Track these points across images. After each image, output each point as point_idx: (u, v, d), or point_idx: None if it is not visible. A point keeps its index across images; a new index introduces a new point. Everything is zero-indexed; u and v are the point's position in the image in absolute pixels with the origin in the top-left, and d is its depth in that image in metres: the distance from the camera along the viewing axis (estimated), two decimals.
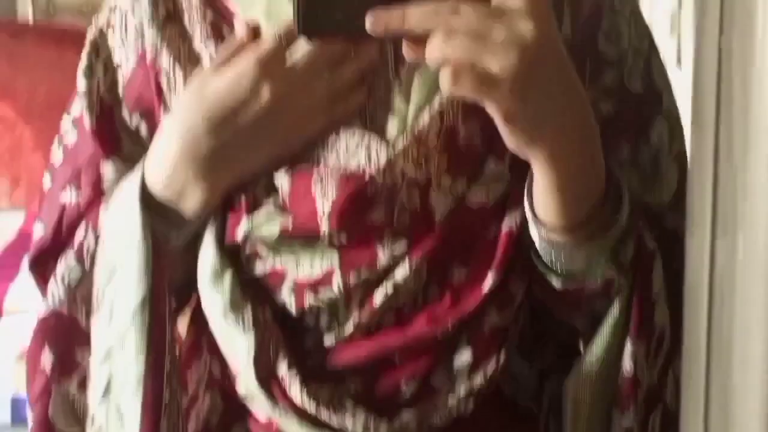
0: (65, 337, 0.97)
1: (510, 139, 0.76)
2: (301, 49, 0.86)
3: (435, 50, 0.71)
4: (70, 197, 0.98)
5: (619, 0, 0.94)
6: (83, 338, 0.95)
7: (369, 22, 0.73)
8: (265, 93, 0.85)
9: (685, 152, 0.97)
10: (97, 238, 0.95)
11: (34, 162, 3.47)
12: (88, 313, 0.95)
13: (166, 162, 0.89)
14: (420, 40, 0.73)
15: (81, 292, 0.96)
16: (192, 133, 0.87)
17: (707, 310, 0.50)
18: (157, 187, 0.90)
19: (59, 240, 0.99)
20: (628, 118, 0.94)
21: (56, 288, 0.96)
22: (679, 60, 2.51)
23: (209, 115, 0.86)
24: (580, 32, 0.92)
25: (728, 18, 0.47)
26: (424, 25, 0.72)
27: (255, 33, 0.88)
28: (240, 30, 0.88)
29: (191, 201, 0.89)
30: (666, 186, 0.94)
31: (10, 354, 2.44)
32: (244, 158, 0.88)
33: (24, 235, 3.13)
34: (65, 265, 0.96)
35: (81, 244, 0.96)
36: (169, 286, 0.92)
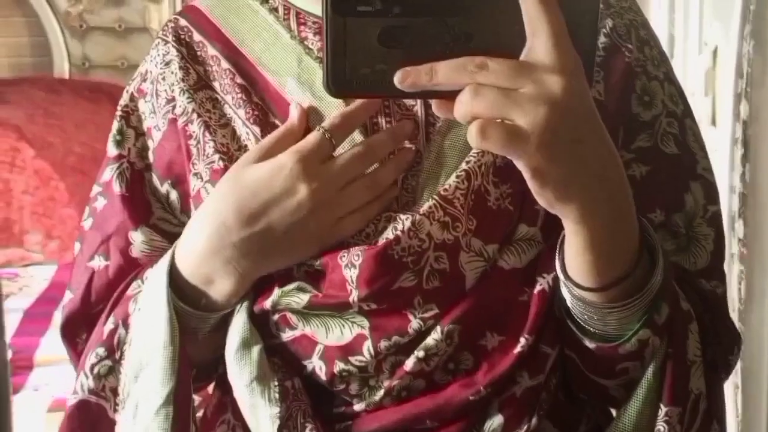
0: (93, 426, 0.95)
1: (540, 196, 0.74)
2: (343, 148, 0.86)
3: (463, 106, 0.70)
4: (99, 264, 0.98)
5: (652, 63, 0.94)
6: (111, 428, 0.94)
7: (398, 79, 0.72)
8: (302, 191, 0.84)
9: (719, 215, 0.96)
10: (126, 330, 0.94)
11: (68, 216, 3.50)
12: (116, 405, 0.93)
13: (196, 249, 0.88)
14: (449, 98, 0.72)
15: (110, 383, 0.94)
16: (223, 222, 0.86)
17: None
18: (187, 272, 0.89)
19: (88, 306, 0.99)
20: (662, 181, 0.93)
21: (85, 378, 0.95)
22: (713, 120, 2.50)
23: (242, 206, 0.85)
24: (612, 94, 0.91)
25: None
26: (453, 81, 0.71)
27: (307, 117, 0.87)
28: (294, 113, 0.88)
29: (220, 290, 0.89)
30: (702, 250, 0.93)
31: (42, 405, 2.44)
32: (276, 253, 0.87)
33: (56, 287, 3.14)
34: (95, 355, 0.95)
35: (111, 336, 0.95)
36: (194, 379, 0.91)
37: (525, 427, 0.87)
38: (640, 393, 0.86)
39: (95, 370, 0.94)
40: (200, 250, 0.88)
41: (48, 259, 3.48)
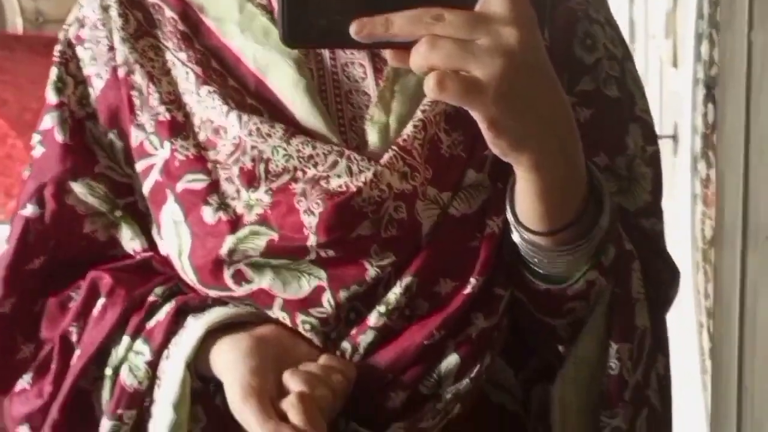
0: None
1: (494, 145, 0.75)
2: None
3: (420, 57, 0.71)
4: (32, 212, 0.95)
5: (593, 8, 0.96)
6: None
7: (353, 30, 0.71)
8: None
9: (658, 154, 0.98)
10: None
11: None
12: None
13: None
14: (404, 48, 0.72)
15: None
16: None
17: (738, 320, 0.48)
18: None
19: (23, 259, 0.96)
20: (606, 124, 0.94)
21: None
22: (674, 61, 2.51)
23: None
24: (556, 39, 0.92)
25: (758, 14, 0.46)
26: (409, 32, 0.71)
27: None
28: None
29: None
30: (641, 190, 0.96)
31: None
32: None
33: None
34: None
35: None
36: None
37: (478, 365, 0.88)
38: (590, 331, 0.88)
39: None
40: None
41: (8, 218, 3.45)
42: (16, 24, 4.05)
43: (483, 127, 0.73)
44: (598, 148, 0.93)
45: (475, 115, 0.73)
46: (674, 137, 2.54)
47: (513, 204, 0.83)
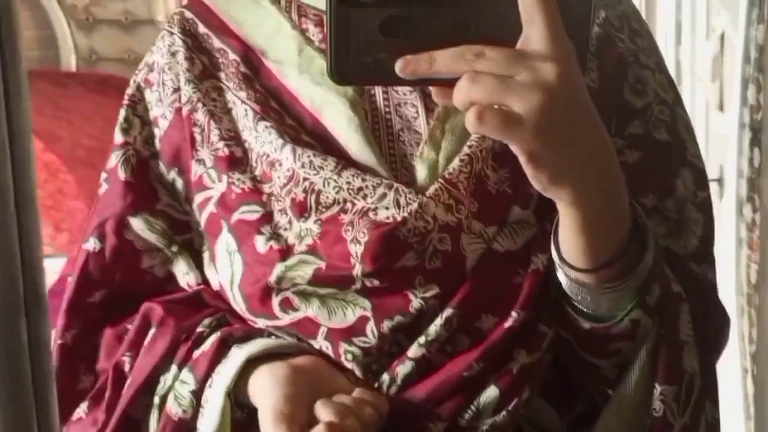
0: None
1: (534, 179, 0.76)
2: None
3: (462, 92, 0.72)
4: (93, 246, 0.98)
5: (644, 54, 0.97)
6: None
7: (398, 68, 0.74)
8: None
9: (709, 200, 0.98)
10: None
11: (76, 209, 3.52)
12: None
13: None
14: (448, 85, 0.74)
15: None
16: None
17: None
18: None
19: (84, 291, 0.98)
20: (654, 166, 0.95)
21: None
22: (721, 105, 2.50)
23: None
24: (606, 83, 0.93)
25: None
26: (451, 69, 0.73)
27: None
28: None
29: None
30: (692, 235, 0.96)
31: None
32: None
33: (65, 280, 3.17)
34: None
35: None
36: None
37: (517, 399, 0.88)
38: (635, 372, 0.88)
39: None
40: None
41: (58, 251, 3.50)
42: (71, 61, 4.13)
43: (522, 160, 0.74)
44: (646, 189, 0.94)
45: (515, 148, 0.74)
46: (719, 181, 2.52)
47: (557, 241, 0.84)
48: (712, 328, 0.96)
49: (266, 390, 0.88)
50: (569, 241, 0.82)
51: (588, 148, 0.76)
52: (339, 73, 0.77)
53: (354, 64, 0.76)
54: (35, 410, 0.41)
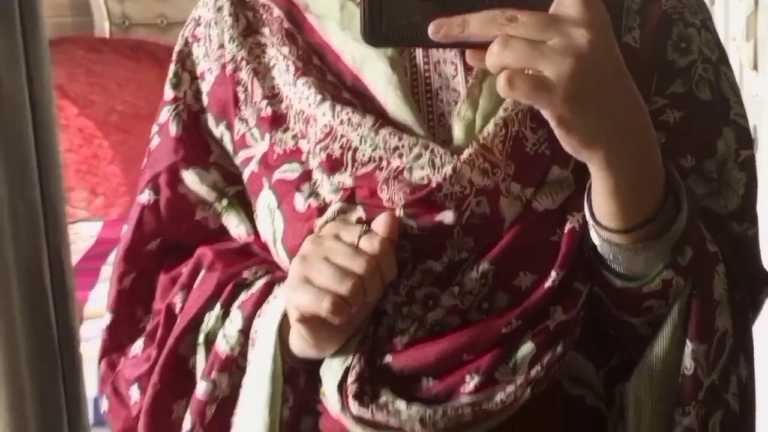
0: None
1: (566, 143, 0.77)
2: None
3: (493, 56, 0.73)
4: (148, 198, 1.02)
5: (690, 11, 0.96)
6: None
7: (431, 31, 0.75)
8: (353, 305, 0.87)
9: (752, 159, 0.97)
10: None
11: (111, 173, 3.55)
12: None
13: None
14: (481, 48, 0.75)
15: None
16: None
17: None
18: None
19: (139, 241, 1.03)
20: (695, 126, 0.95)
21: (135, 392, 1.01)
22: (755, 64, 2.48)
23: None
24: (648, 41, 0.93)
25: None
26: (484, 33, 0.74)
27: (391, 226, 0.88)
28: (383, 222, 0.88)
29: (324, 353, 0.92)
30: (733, 194, 0.96)
31: (92, 356, 2.50)
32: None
33: (102, 243, 3.20)
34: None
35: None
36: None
37: (551, 354, 0.90)
38: (666, 330, 0.89)
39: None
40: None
41: (93, 216, 3.54)
42: (104, 27, 4.15)
43: (553, 125, 0.76)
44: (685, 150, 0.94)
45: (545, 113, 0.75)
46: (754, 140, 2.51)
47: (590, 202, 0.85)
48: (750, 288, 0.96)
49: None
50: (601, 204, 0.83)
51: (619, 114, 0.76)
52: (373, 36, 0.78)
53: (388, 27, 0.78)
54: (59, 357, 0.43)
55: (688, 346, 0.88)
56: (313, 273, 0.86)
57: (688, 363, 0.89)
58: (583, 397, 0.95)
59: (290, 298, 0.88)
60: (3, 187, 0.40)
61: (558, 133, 0.76)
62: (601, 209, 0.83)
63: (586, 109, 0.74)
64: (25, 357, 0.45)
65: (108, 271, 2.37)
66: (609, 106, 0.75)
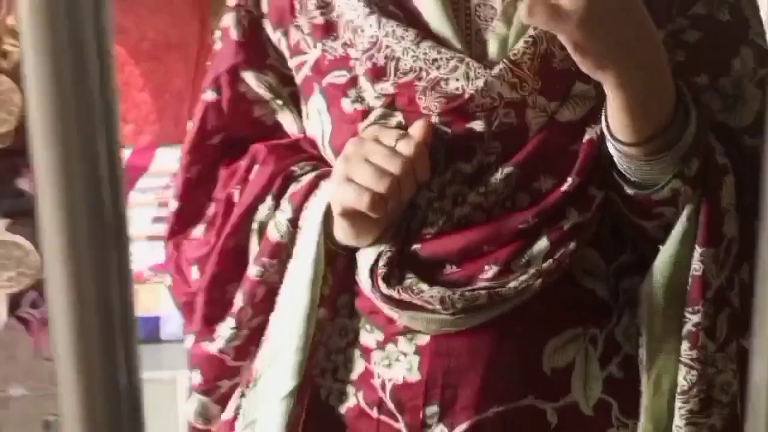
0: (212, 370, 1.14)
1: (581, 64, 0.89)
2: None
3: None
4: (211, 96, 1.14)
5: None
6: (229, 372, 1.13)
7: None
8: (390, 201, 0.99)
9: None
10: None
11: (142, 100, 3.59)
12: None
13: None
14: None
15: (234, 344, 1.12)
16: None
17: None
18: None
19: (203, 135, 1.15)
20: (713, 45, 1.03)
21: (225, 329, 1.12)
22: None
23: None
24: None
25: None
26: None
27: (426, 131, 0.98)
28: (419, 127, 0.99)
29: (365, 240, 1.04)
30: (748, 109, 1.04)
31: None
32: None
33: (132, 169, 3.26)
34: (225, 326, 1.12)
35: (240, 311, 1.11)
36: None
37: (563, 249, 1.00)
38: (675, 234, 1.00)
39: (224, 338, 1.13)
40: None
41: (123, 143, 3.59)
42: None
43: (569, 48, 0.87)
44: (700, 68, 1.02)
45: (562, 38, 0.87)
46: None
47: (607, 117, 0.95)
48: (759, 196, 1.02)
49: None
50: (615, 118, 0.93)
51: (627, 38, 0.86)
52: None
53: None
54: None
55: (697, 250, 0.98)
56: (355, 172, 0.95)
57: (696, 266, 0.98)
58: (594, 290, 1.05)
59: (334, 194, 0.98)
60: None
61: (574, 56, 0.87)
62: (615, 123, 0.93)
63: (598, 34, 0.85)
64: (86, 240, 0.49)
65: (136, 197, 2.44)
66: (618, 31, 0.85)
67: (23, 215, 2.42)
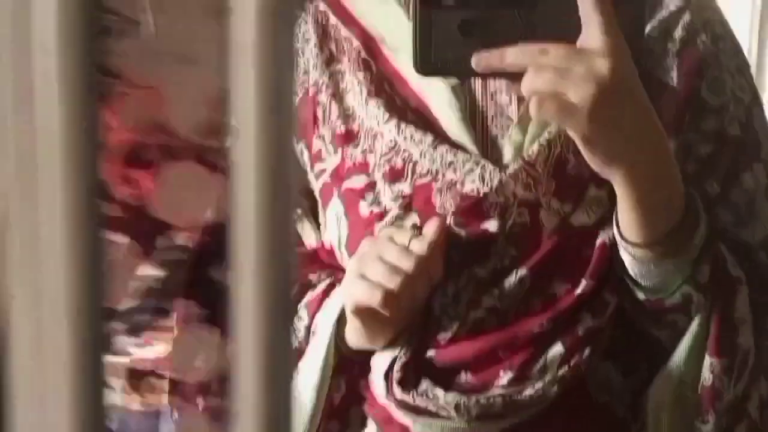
0: None
1: (590, 161, 0.89)
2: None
3: (527, 82, 0.86)
4: None
5: (726, 56, 1.05)
6: None
7: (474, 63, 0.88)
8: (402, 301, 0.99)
9: None
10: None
11: None
12: None
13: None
14: (518, 78, 0.87)
15: None
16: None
17: None
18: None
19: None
20: (724, 159, 1.04)
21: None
22: None
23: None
24: (684, 82, 1.02)
25: None
26: (518, 63, 0.87)
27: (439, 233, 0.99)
28: (433, 226, 1.00)
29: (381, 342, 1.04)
30: (760, 225, 1.04)
31: None
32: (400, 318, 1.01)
33: None
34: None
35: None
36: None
37: (578, 356, 0.99)
38: (686, 342, 0.98)
39: None
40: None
41: None
42: None
43: (578, 143, 0.88)
44: (712, 177, 1.02)
45: (571, 132, 0.87)
46: None
47: (617, 218, 0.95)
48: None
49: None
50: (625, 216, 0.93)
51: (637, 134, 0.88)
52: (423, 67, 0.92)
53: (436, 58, 0.91)
54: None
55: (707, 360, 0.97)
56: (368, 269, 0.97)
57: (707, 375, 0.97)
58: (609, 405, 1.03)
59: (347, 292, 1.00)
60: None
61: (583, 151, 0.88)
62: (625, 222, 0.94)
63: (607, 129, 0.86)
64: None
65: None
66: (627, 125, 0.87)
67: None
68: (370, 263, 0.98)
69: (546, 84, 0.85)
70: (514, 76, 0.88)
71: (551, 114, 0.86)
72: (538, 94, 0.85)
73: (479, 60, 0.88)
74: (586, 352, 0.99)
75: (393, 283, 0.96)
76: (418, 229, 1.00)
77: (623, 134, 0.87)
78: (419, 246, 0.98)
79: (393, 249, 0.98)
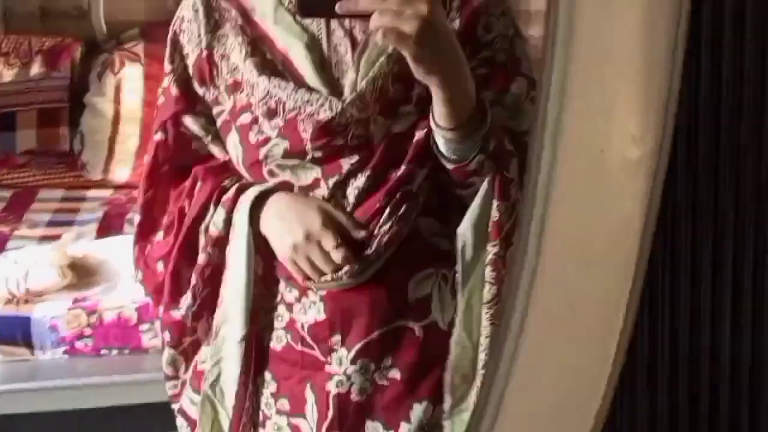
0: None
1: (416, 72, 1.26)
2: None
3: (374, 20, 1.22)
4: (160, 137, 1.54)
5: (493, 5, 1.45)
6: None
7: (338, 7, 1.25)
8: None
9: (535, 98, 1.29)
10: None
11: None
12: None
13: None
14: (368, 17, 1.22)
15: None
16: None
17: None
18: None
19: (156, 166, 1.56)
20: (496, 77, 1.43)
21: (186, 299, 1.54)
22: None
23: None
24: (465, 26, 1.41)
25: None
26: (368, 8, 1.23)
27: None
28: (337, 256, 1.43)
29: None
30: (525, 118, 1.42)
31: None
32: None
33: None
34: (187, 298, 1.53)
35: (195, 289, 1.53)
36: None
37: (400, 210, 1.44)
38: (481, 192, 1.41)
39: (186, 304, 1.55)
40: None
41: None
42: None
43: (409, 60, 1.27)
44: (487, 89, 1.41)
45: (405, 53, 1.26)
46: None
47: (432, 113, 1.34)
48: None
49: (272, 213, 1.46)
50: (438, 110, 1.34)
51: (448, 54, 1.29)
52: (302, 11, 1.35)
53: (314, 4, 1.30)
54: None
55: (494, 203, 1.40)
56: (298, 259, 1.44)
57: (495, 213, 1.41)
58: (439, 243, 1.47)
59: (278, 251, 1.47)
60: None
61: (413, 65, 1.27)
62: (438, 114, 1.33)
63: (429, 50, 1.24)
64: None
65: None
66: (440, 48, 1.27)
67: None
68: (300, 259, 1.43)
69: (387, 21, 1.22)
70: (364, 17, 1.26)
71: (391, 41, 1.24)
72: (382, 29, 1.23)
73: (341, 5, 1.26)
74: (403, 208, 1.43)
75: (315, 276, 1.46)
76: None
77: (439, 54, 1.27)
78: (336, 253, 1.43)
79: (318, 256, 1.43)
